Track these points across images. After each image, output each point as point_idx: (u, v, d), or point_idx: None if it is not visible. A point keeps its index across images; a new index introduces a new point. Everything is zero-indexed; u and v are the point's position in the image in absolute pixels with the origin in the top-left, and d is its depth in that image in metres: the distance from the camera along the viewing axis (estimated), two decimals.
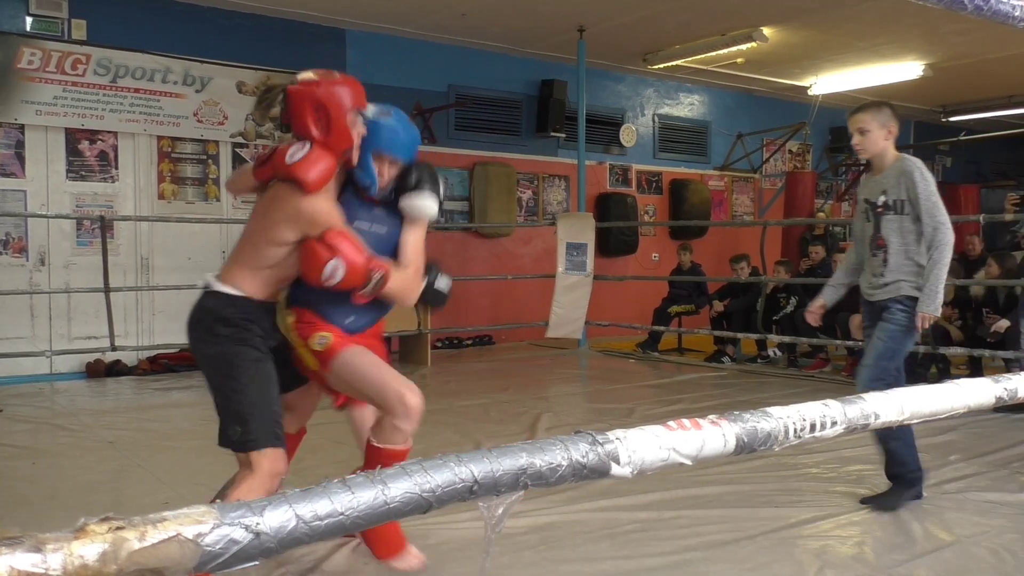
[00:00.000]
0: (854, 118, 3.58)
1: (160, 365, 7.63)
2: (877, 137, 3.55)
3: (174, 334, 7.90)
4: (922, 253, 3.52)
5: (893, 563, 3.02)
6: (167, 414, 5.88)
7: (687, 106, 11.73)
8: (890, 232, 3.56)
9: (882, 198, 3.59)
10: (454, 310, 9.43)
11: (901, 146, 12.78)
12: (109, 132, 7.69)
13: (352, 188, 2.64)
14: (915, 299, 3.50)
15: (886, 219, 3.58)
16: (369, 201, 2.65)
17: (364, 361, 2.61)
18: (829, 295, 3.93)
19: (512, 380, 7.24)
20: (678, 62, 9.87)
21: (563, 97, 9.99)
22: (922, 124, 14.04)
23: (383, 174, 2.60)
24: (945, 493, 3.87)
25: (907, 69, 10.29)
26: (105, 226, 6.81)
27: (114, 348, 6.70)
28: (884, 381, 3.41)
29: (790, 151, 12.60)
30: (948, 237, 3.47)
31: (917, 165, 3.56)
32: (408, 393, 2.54)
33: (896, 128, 3.58)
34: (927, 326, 3.51)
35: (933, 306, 3.46)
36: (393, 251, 2.67)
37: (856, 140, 3.58)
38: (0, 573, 0.54)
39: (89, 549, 0.57)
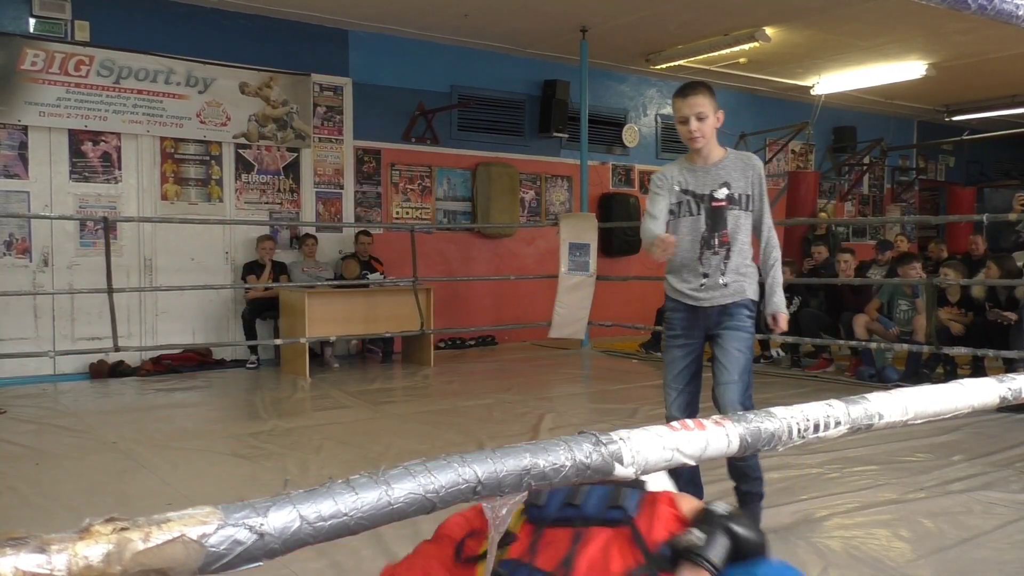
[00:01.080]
0: (689, 101, 3.13)
1: (163, 366, 7.64)
2: (712, 124, 3.17)
3: (177, 335, 7.93)
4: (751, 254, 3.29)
5: (897, 563, 3.01)
6: (170, 415, 5.88)
7: None
8: (736, 229, 3.21)
9: (724, 191, 3.20)
10: (457, 310, 9.43)
11: (904, 145, 12.71)
12: (112, 133, 7.70)
13: None
14: (756, 302, 3.28)
15: (732, 214, 3.20)
16: None
17: None
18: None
19: (515, 380, 7.24)
20: (681, 62, 9.86)
21: (566, 97, 9.99)
22: (925, 124, 14.02)
23: None
24: (949, 493, 3.87)
25: (910, 69, 10.27)
26: (108, 227, 6.82)
27: (117, 349, 6.70)
28: (750, 393, 3.25)
29: (793, 151, 12.58)
30: (777, 239, 3.33)
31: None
32: None
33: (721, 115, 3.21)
34: (784, 328, 3.33)
35: (784, 305, 3.35)
36: None
37: (694, 126, 3.12)
38: (5, 574, 0.54)
39: (93, 550, 0.57)
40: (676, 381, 3.36)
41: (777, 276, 3.29)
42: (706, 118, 3.13)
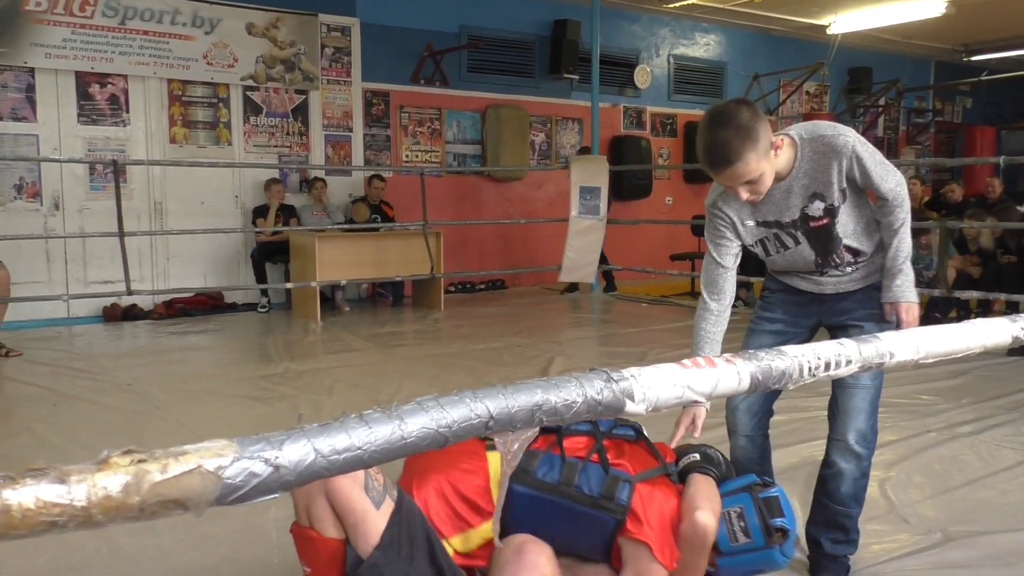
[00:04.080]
0: (726, 175, 2.21)
1: (176, 309, 7.70)
2: (769, 167, 2.23)
3: (189, 278, 7.97)
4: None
5: (903, 503, 3.05)
6: (183, 357, 5.94)
7: (703, 46, 11.53)
8: (853, 231, 2.42)
9: (818, 204, 2.35)
10: (467, 254, 9.43)
11: (921, 86, 12.45)
12: (119, 75, 7.64)
13: None
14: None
15: (840, 222, 2.38)
16: None
17: None
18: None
19: (525, 324, 7.27)
20: (694, 1, 9.66)
21: (576, 38, 9.83)
22: (942, 64, 13.77)
23: None
24: (957, 436, 3.89)
25: (929, 6, 10.04)
26: (118, 171, 6.80)
27: (130, 292, 6.75)
28: (876, 417, 2.51)
29: (807, 92, 12.40)
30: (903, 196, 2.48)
31: (841, 131, 2.36)
32: None
33: (772, 135, 2.23)
34: (913, 324, 2.38)
35: (912, 292, 2.46)
36: None
37: (745, 196, 2.26)
38: (26, 504, 0.55)
39: (112, 480, 0.58)
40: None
41: (901, 249, 2.38)
42: (758, 178, 2.21)
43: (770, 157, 2.21)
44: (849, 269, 2.46)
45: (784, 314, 2.59)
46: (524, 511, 2.09)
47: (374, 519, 1.73)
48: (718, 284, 2.47)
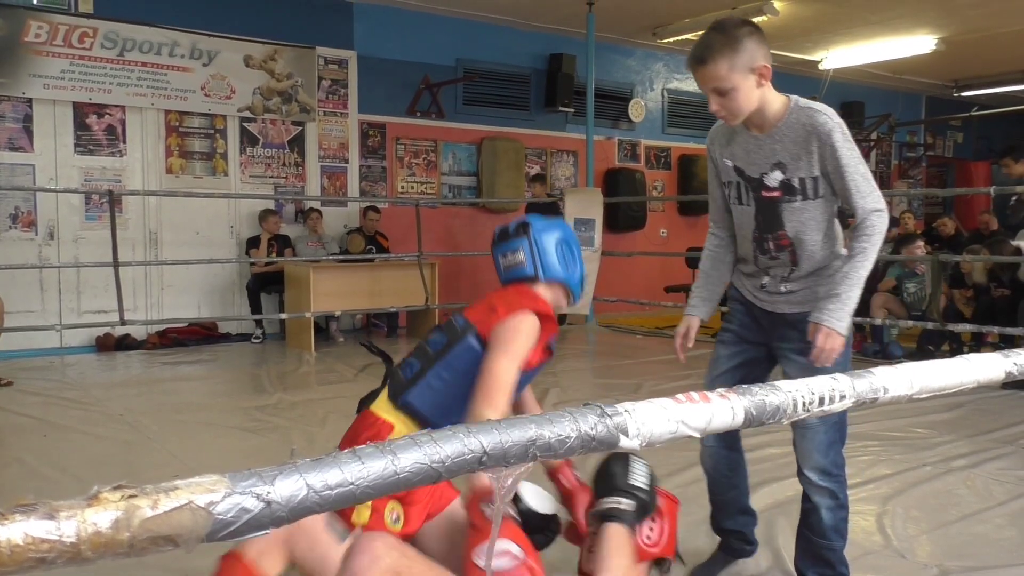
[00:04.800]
0: (701, 74, 2.17)
1: (169, 339, 7.67)
2: (748, 92, 2.16)
3: (183, 308, 7.95)
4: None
5: (899, 538, 3.03)
6: (176, 387, 5.91)
7: None
8: (801, 228, 2.34)
9: (777, 175, 2.27)
10: (462, 285, 9.44)
11: (912, 121, 12.59)
12: (117, 106, 7.68)
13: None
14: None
15: (791, 208, 2.31)
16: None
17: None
18: (700, 308, 2.64)
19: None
20: (688, 36, 9.77)
21: (572, 71, 9.93)
22: (933, 99, 13.92)
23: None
24: (952, 470, 3.88)
25: (919, 43, 10.18)
26: (113, 200, 6.81)
27: (123, 322, 6.72)
28: (838, 447, 2.50)
29: None
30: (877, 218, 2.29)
31: (825, 112, 2.23)
32: None
33: (769, 61, 2.18)
34: (827, 356, 2.26)
35: (840, 320, 2.26)
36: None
37: (715, 106, 2.21)
38: (15, 540, 0.55)
39: (102, 516, 0.57)
40: (713, 385, 2.42)
41: (851, 276, 2.23)
42: (730, 90, 2.15)
43: (751, 80, 2.15)
44: (777, 262, 2.37)
45: (738, 324, 2.57)
46: None
47: (336, 555, 1.71)
48: (718, 214, 2.54)
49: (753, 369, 2.55)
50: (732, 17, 2.25)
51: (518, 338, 2.06)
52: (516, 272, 2.31)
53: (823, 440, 2.40)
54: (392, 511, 2.01)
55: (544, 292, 2.27)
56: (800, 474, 2.49)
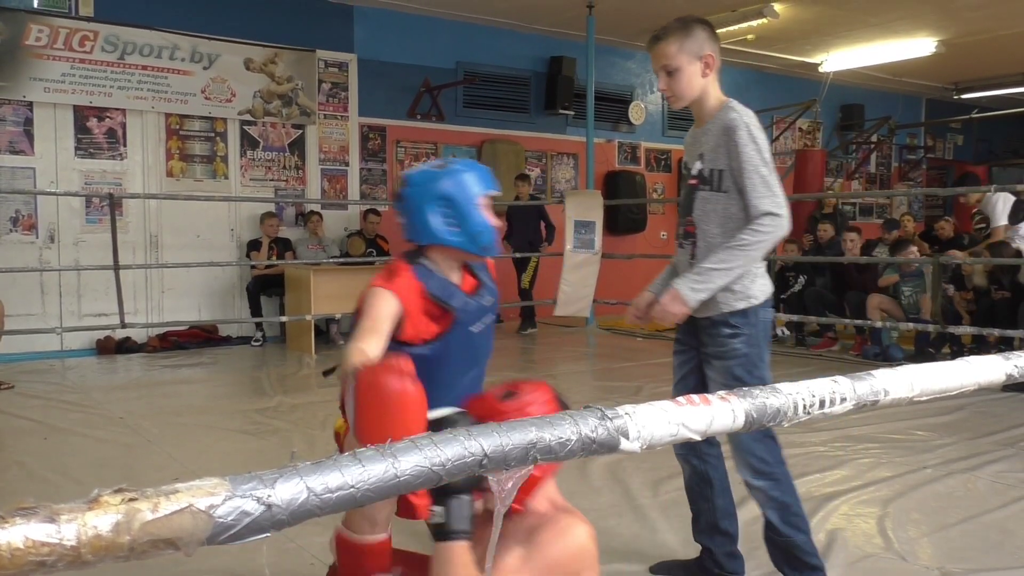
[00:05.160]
0: (655, 51, 2.40)
1: (169, 342, 7.67)
2: (691, 76, 2.37)
3: (183, 311, 7.95)
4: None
5: (900, 540, 3.03)
6: (177, 390, 5.91)
7: None
8: (704, 216, 2.43)
9: (698, 165, 2.45)
10: None
11: (912, 123, 12.60)
12: (117, 109, 7.69)
13: (460, 293, 2.12)
14: (746, 313, 2.41)
15: (700, 196, 2.45)
16: (473, 292, 2.16)
17: None
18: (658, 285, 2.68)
19: (520, 358, 7.26)
20: None
21: (572, 74, 9.93)
22: (933, 102, 13.92)
23: (495, 225, 2.15)
24: (953, 472, 3.88)
25: (919, 45, 10.18)
26: (114, 204, 6.81)
27: (124, 325, 6.72)
28: (769, 444, 2.46)
29: (800, 129, 12.51)
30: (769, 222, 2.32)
31: (744, 113, 2.38)
32: None
33: (715, 57, 2.38)
34: (665, 317, 2.37)
35: (688, 294, 2.34)
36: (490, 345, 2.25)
37: (662, 84, 2.42)
38: (15, 543, 0.55)
39: (103, 520, 0.57)
40: (674, 393, 2.56)
41: (723, 255, 2.32)
42: (677, 71, 2.36)
43: (696, 66, 2.36)
44: (684, 251, 2.49)
45: (681, 332, 2.62)
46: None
47: None
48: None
49: (696, 370, 2.58)
50: (692, 15, 2.45)
51: (364, 318, 1.96)
52: (405, 236, 2.13)
53: (746, 438, 2.41)
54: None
55: (435, 255, 2.09)
56: (742, 479, 2.51)
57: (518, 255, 8.84)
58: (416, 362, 1.83)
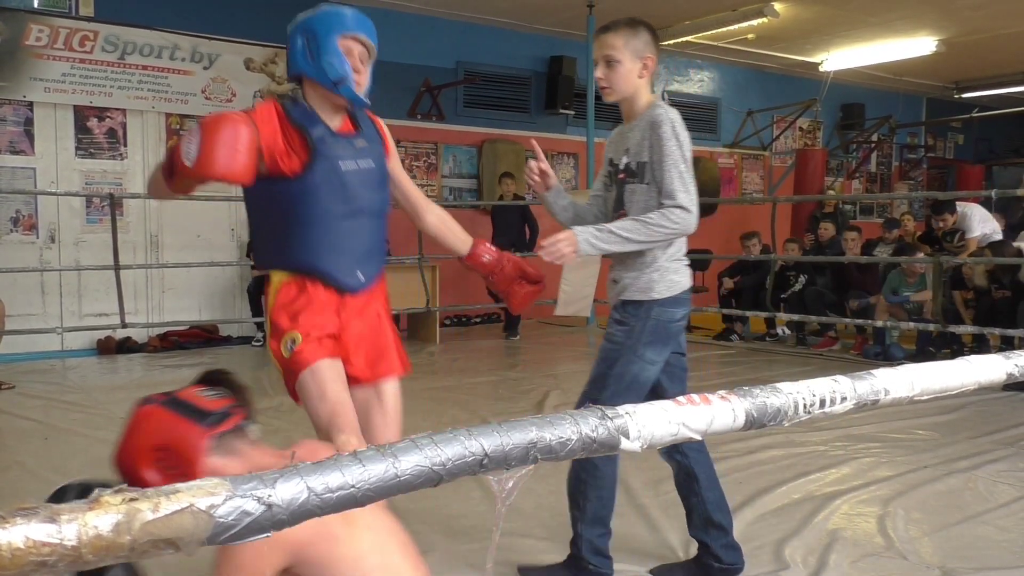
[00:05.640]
0: (599, 41, 2.49)
1: (170, 342, 7.67)
2: (629, 72, 2.46)
3: (184, 311, 7.95)
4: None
5: (901, 540, 3.03)
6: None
7: (697, 83, 11.65)
8: (631, 207, 2.51)
9: (625, 159, 2.53)
10: (463, 287, 9.44)
11: (913, 123, 12.64)
12: (117, 109, 7.69)
13: (320, 120, 2.18)
14: (648, 305, 2.48)
15: (628, 188, 2.52)
16: (345, 132, 2.24)
17: (315, 389, 2.14)
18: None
19: (520, 358, 7.26)
20: (688, 38, 9.78)
21: (572, 74, 9.93)
22: (934, 101, 13.92)
23: (356, 69, 2.15)
24: (953, 472, 3.88)
25: (920, 45, 10.18)
26: (114, 204, 6.82)
27: (124, 325, 6.73)
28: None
29: (800, 128, 12.51)
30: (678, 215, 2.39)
31: (669, 112, 2.46)
32: (342, 443, 2.01)
33: (654, 61, 2.49)
34: (555, 254, 2.42)
35: (584, 239, 2.40)
36: (385, 185, 2.33)
37: (599, 73, 2.48)
38: (15, 543, 0.55)
39: (103, 520, 0.57)
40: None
41: (628, 226, 2.39)
42: (617, 64, 2.45)
43: (636, 65, 2.45)
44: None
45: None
46: None
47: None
48: (596, 193, 2.73)
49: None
50: (642, 19, 2.53)
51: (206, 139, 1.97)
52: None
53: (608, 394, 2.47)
54: (288, 339, 2.18)
55: (308, 93, 2.19)
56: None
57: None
58: (289, 201, 2.13)
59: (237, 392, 1.70)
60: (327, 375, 2.14)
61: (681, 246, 2.53)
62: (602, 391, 2.46)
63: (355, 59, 2.15)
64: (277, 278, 2.25)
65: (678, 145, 2.39)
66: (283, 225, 2.18)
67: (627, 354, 2.47)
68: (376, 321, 2.32)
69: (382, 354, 2.32)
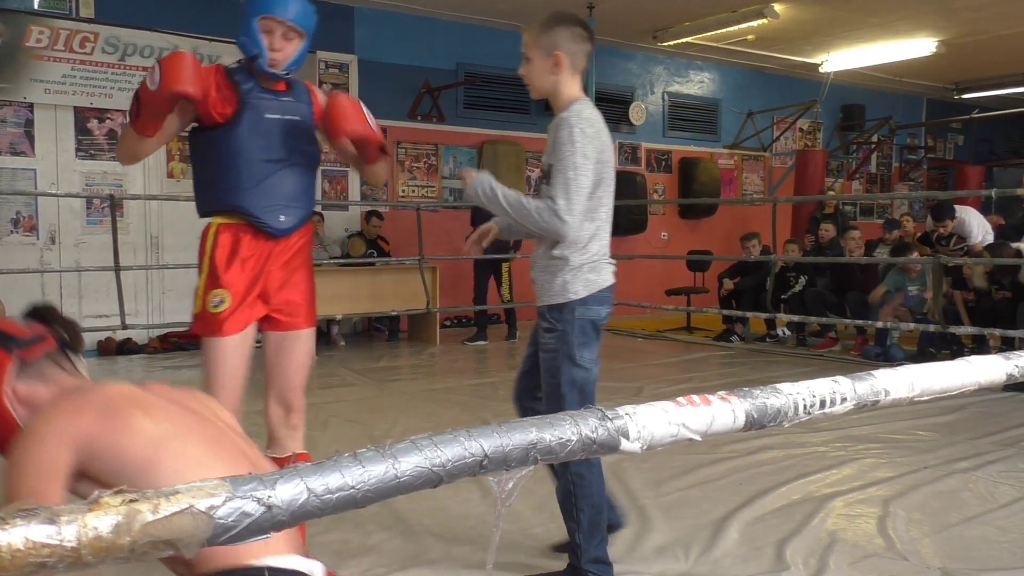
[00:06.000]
0: (524, 37, 2.55)
1: (170, 343, 7.68)
2: (541, 69, 2.48)
3: (184, 312, 7.92)
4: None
5: (901, 541, 3.02)
6: None
7: (697, 84, 11.65)
8: None
9: (544, 159, 2.52)
10: (463, 288, 9.44)
11: (913, 124, 12.65)
12: (118, 111, 7.69)
13: (255, 79, 2.51)
14: (567, 307, 2.48)
15: (544, 188, 2.49)
16: (274, 90, 2.54)
17: (218, 358, 2.49)
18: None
19: (520, 358, 7.24)
20: (688, 39, 9.79)
21: None
22: (934, 102, 13.92)
23: (273, 46, 2.46)
24: (954, 473, 3.88)
25: (920, 46, 10.19)
26: (115, 205, 6.82)
27: (125, 326, 6.72)
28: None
29: (801, 129, 12.51)
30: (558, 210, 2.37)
31: (576, 114, 2.42)
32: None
33: (569, 57, 2.45)
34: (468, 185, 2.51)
35: (480, 181, 2.49)
36: (311, 139, 2.60)
37: (520, 70, 2.57)
38: (15, 544, 0.55)
39: (103, 521, 0.57)
40: (518, 376, 2.91)
41: (512, 200, 2.44)
42: (529, 60, 2.50)
43: (548, 62, 2.45)
44: (544, 249, 2.52)
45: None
46: None
47: None
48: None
49: (533, 355, 2.71)
50: (569, 13, 2.52)
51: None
52: None
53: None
54: (217, 296, 2.48)
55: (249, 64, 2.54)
56: None
57: (480, 257, 8.17)
58: (221, 144, 2.46)
59: (59, 324, 1.75)
60: (232, 351, 2.51)
61: (600, 248, 2.51)
62: (563, 405, 2.46)
63: (275, 37, 2.45)
64: (215, 223, 2.51)
65: (572, 152, 2.34)
66: (215, 168, 2.48)
67: (566, 363, 2.47)
68: (296, 275, 2.61)
69: (298, 308, 2.63)
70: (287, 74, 2.53)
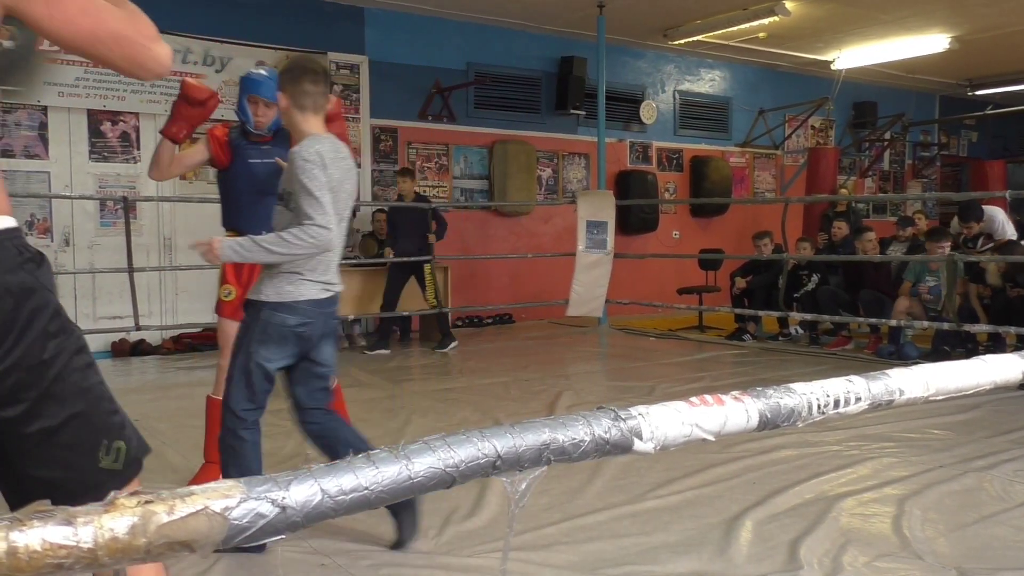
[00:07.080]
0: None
1: (184, 344, 7.71)
2: (281, 107, 2.87)
3: (197, 313, 7.98)
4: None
5: (917, 540, 3.01)
6: (191, 392, 5.93)
7: (708, 82, 11.62)
8: (277, 226, 2.79)
9: (281, 184, 2.84)
10: (475, 288, 9.44)
11: (926, 120, 12.55)
12: (131, 113, 7.73)
13: (246, 136, 3.58)
14: (268, 306, 2.74)
15: (277, 210, 2.83)
16: (256, 140, 3.56)
17: (228, 331, 3.37)
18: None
19: (532, 358, 7.25)
20: (699, 37, 9.76)
21: (583, 74, 9.92)
22: (947, 98, 13.84)
23: (257, 113, 3.50)
24: (969, 471, 3.85)
25: (933, 42, 10.12)
26: (128, 207, 6.85)
27: (138, 327, 6.76)
28: (238, 395, 2.88)
29: (812, 127, 12.46)
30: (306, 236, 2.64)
31: (304, 152, 2.70)
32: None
33: (292, 100, 2.79)
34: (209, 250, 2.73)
35: (225, 245, 2.71)
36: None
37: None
38: (33, 546, 0.55)
39: (119, 522, 0.57)
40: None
41: (271, 243, 2.65)
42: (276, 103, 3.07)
43: (283, 101, 2.81)
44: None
45: None
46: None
47: None
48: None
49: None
50: (303, 61, 2.96)
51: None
52: None
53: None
54: (226, 289, 3.56)
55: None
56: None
57: (398, 260, 7.68)
58: (225, 183, 3.62)
59: None
60: (229, 331, 3.33)
61: (309, 263, 2.71)
62: (230, 382, 2.84)
63: (257, 106, 3.52)
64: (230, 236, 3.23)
65: (309, 177, 2.63)
66: (223, 198, 3.65)
67: (244, 349, 2.77)
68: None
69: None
70: (272, 131, 3.56)
